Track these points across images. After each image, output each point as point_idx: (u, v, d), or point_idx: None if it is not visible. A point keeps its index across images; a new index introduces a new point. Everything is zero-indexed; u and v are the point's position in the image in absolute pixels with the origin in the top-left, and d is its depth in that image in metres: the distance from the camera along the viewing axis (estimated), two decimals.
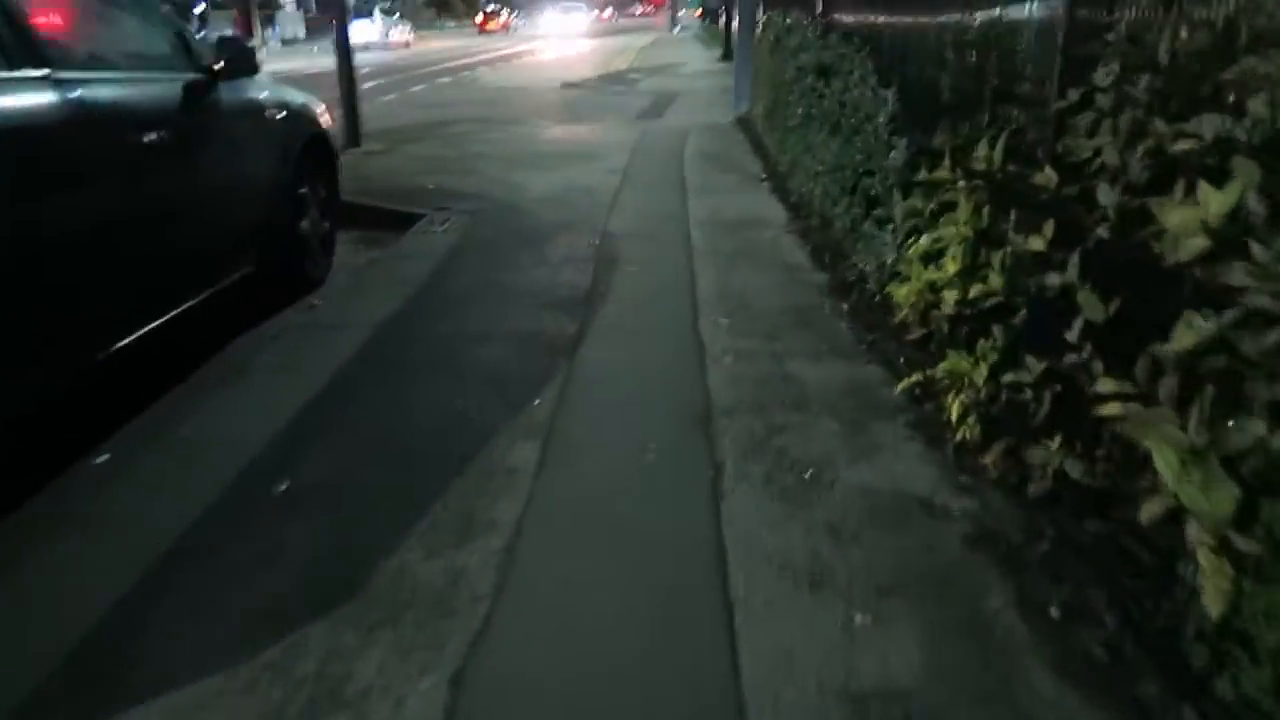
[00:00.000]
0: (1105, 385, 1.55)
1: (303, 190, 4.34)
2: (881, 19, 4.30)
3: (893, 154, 3.19)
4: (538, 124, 10.57)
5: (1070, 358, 1.75)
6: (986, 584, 1.94)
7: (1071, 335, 1.75)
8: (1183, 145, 1.39)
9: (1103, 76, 1.69)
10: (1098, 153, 1.70)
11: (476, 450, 2.60)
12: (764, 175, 6.67)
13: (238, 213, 3.76)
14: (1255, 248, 1.26)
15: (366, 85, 15.98)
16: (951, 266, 2.39)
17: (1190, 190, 1.38)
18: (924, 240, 2.71)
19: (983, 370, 2.29)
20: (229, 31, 11.32)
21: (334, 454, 2.63)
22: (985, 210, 2.38)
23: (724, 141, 8.64)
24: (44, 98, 2.55)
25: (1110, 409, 1.54)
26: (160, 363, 3.31)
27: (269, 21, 34.02)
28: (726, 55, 17.56)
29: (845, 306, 3.67)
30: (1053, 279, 1.80)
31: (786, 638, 1.81)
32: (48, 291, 2.54)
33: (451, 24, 56.99)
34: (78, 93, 2.68)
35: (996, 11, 2.73)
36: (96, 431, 2.80)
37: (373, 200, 6.15)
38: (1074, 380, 1.84)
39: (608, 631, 1.86)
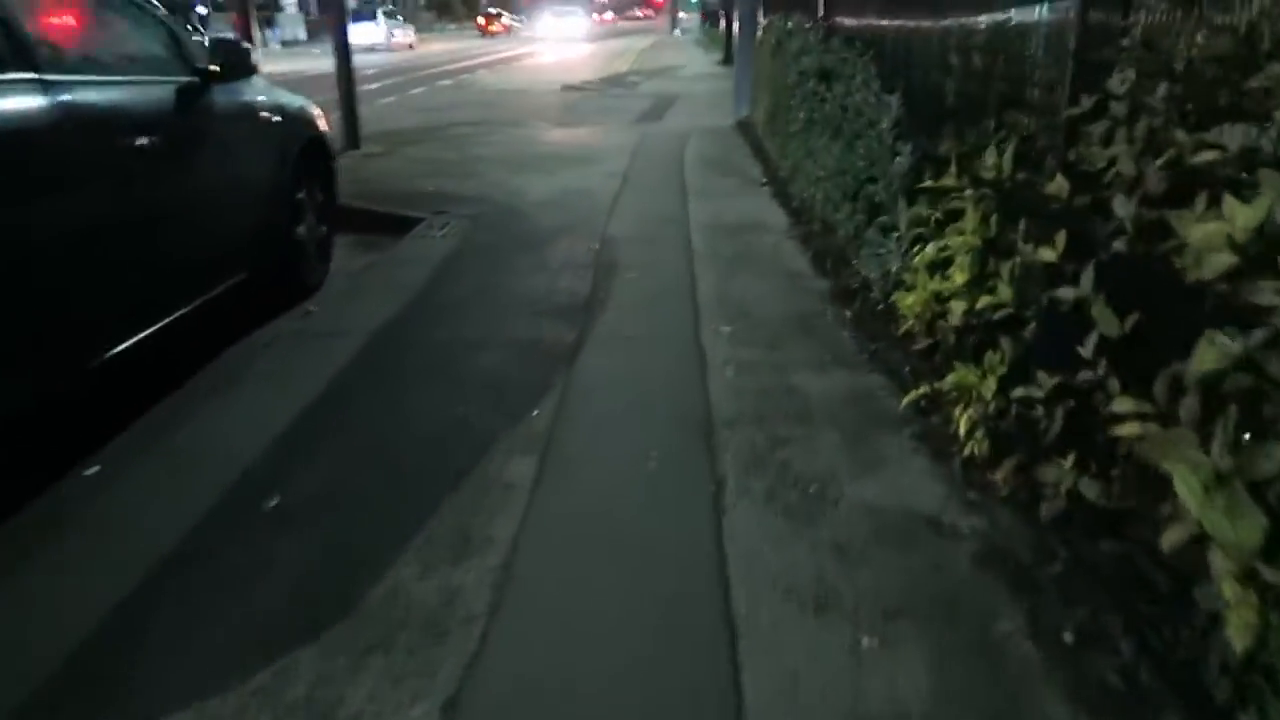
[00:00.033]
0: (1123, 404, 1.50)
1: (299, 195, 4.29)
2: (885, 22, 4.25)
3: (897, 160, 3.13)
4: (537, 127, 10.52)
5: (1085, 374, 1.69)
6: (997, 606, 1.88)
7: (1086, 351, 1.69)
8: (1205, 156, 1.34)
9: (1118, 83, 1.63)
10: (1112, 162, 1.64)
11: (473, 463, 2.54)
12: (765, 179, 6.61)
13: (232, 218, 3.71)
14: None
15: (369, 87, 16.01)
16: (959, 277, 2.34)
17: (1213, 203, 1.33)
18: (930, 249, 2.65)
19: (991, 383, 2.24)
20: (230, 35, 11.30)
21: (327, 467, 2.57)
22: (993, 219, 2.32)
23: (724, 145, 8.59)
24: (33, 101, 2.49)
25: (1128, 429, 1.49)
26: (153, 370, 3.25)
27: (269, 23, 33.97)
28: (727, 58, 17.53)
29: (848, 314, 3.62)
30: (1066, 292, 1.74)
31: (791, 662, 1.75)
32: (37, 298, 2.49)
33: (452, 26, 56.98)
34: (67, 96, 2.62)
35: (1003, 15, 2.68)
36: (88, 441, 2.75)
37: (371, 204, 6.10)
38: (1088, 396, 1.78)
39: (606, 655, 1.80)
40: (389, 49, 31.82)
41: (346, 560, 2.12)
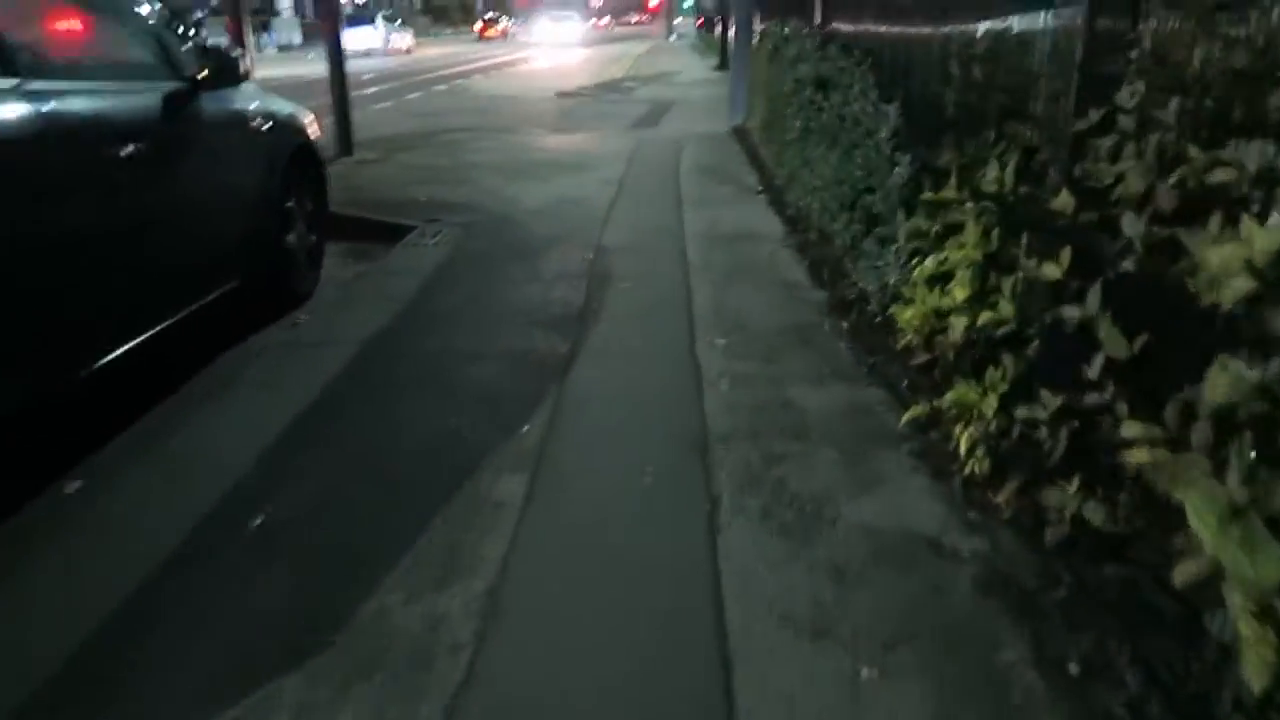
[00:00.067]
0: (1131, 429, 1.44)
1: (289, 203, 4.23)
2: (883, 28, 4.21)
3: (896, 171, 3.08)
4: (532, 133, 10.47)
5: (1091, 396, 1.64)
6: (1000, 634, 1.82)
7: (1092, 372, 1.64)
8: (1221, 175, 1.29)
9: (1127, 97, 1.59)
10: (1120, 178, 1.59)
11: (462, 480, 2.48)
12: (760, 187, 6.57)
13: (221, 227, 3.65)
14: None
15: (365, 91, 15.97)
16: (960, 293, 2.29)
17: (1228, 223, 1.28)
18: (929, 262, 2.60)
19: (992, 401, 2.19)
20: (222, 40, 11.22)
21: (314, 483, 2.51)
22: (995, 233, 2.28)
23: (720, 152, 8.55)
24: (14, 109, 2.43)
25: (1137, 455, 1.44)
26: (139, 381, 3.19)
27: (264, 27, 33.93)
28: (722, 64, 17.51)
29: (845, 326, 3.57)
30: (1071, 311, 1.69)
31: (787, 692, 1.69)
32: (21, 306, 2.43)
33: (448, 31, 57.03)
34: (51, 104, 2.57)
35: (1006, 22, 2.63)
36: (72, 453, 2.68)
37: (363, 211, 6.04)
38: (1093, 417, 1.73)
39: (596, 686, 1.74)
40: (386, 53, 32.02)
41: (332, 582, 2.06)
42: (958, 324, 2.29)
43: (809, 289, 4.13)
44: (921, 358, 2.69)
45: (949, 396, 2.29)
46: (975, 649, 1.79)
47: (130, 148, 2.84)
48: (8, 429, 2.52)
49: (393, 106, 13.95)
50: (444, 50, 36.81)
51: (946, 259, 2.48)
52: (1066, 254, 1.81)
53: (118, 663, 1.81)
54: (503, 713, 1.68)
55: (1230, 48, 1.41)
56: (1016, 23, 2.61)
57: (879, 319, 3.32)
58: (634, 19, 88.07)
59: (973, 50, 2.81)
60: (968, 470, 2.25)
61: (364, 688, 1.73)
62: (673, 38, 45.71)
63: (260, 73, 16.62)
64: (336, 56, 8.32)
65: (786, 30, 7.13)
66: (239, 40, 8.14)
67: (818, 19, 6.08)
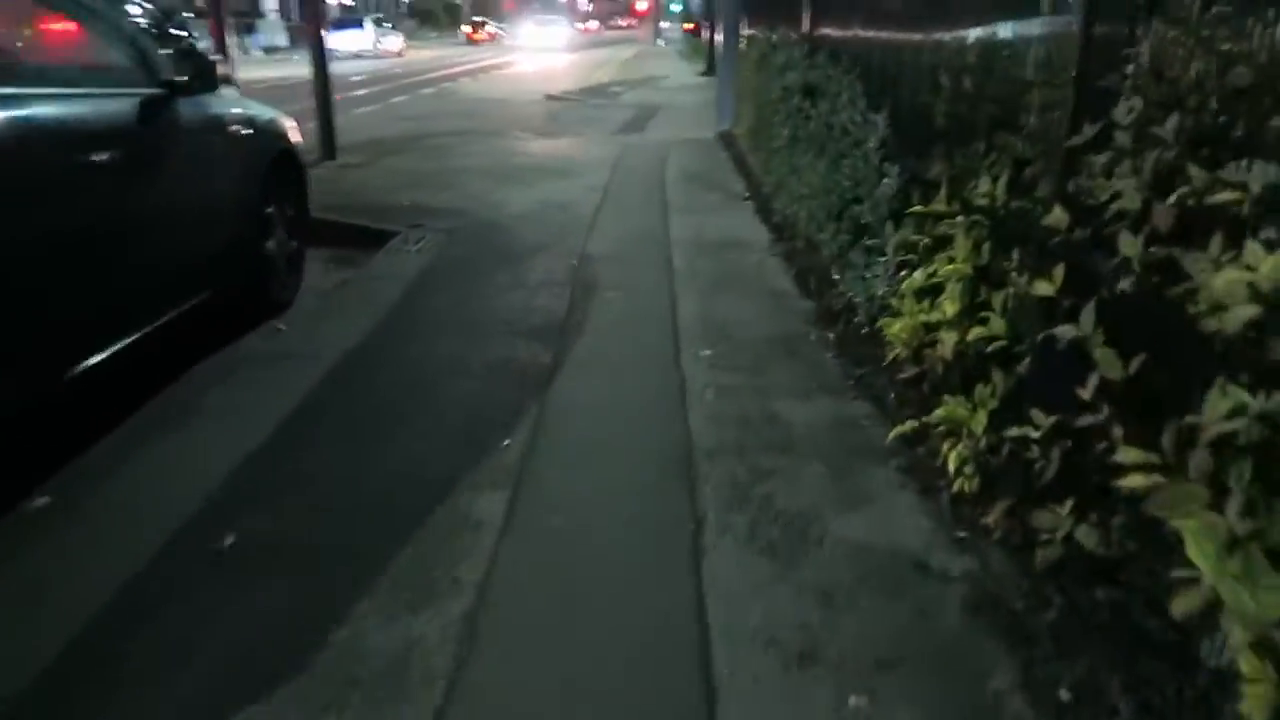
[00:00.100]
0: (1128, 455, 1.40)
1: (269, 209, 4.16)
2: (871, 34, 4.17)
3: (884, 182, 3.04)
4: (518, 137, 10.42)
5: (1085, 418, 1.60)
6: (990, 659, 1.78)
7: (1086, 393, 1.60)
8: (1224, 196, 1.25)
9: (1124, 113, 1.55)
10: (1116, 195, 1.56)
11: (440, 499, 2.42)
12: (747, 194, 6.53)
13: (198, 234, 3.57)
14: None
15: (353, 94, 15.88)
16: (949, 307, 2.25)
17: (1229, 244, 1.24)
18: (918, 274, 2.56)
19: (981, 418, 2.15)
20: (204, 42, 11.12)
21: (287, 502, 2.45)
22: (985, 247, 2.24)
23: (706, 158, 8.52)
24: None
25: (1134, 480, 1.39)
26: (111, 393, 3.11)
27: (249, 29, 33.73)
28: (709, 69, 17.49)
29: (832, 336, 3.53)
30: (1064, 330, 1.65)
31: None
32: None
33: (434, 34, 56.91)
34: (19, 110, 2.50)
35: (996, 29, 2.59)
36: (36, 471, 2.60)
37: (345, 217, 5.97)
38: (1086, 437, 1.69)
39: (577, 717, 1.69)
40: (377, 56, 32.12)
41: (304, 607, 2.00)
42: (948, 339, 2.25)
43: (796, 298, 4.09)
44: (910, 371, 2.65)
45: (937, 413, 2.24)
46: (965, 675, 1.74)
47: (103, 155, 2.77)
48: None
49: (379, 109, 13.85)
50: (433, 53, 36.75)
51: (936, 272, 2.44)
52: (1060, 271, 1.77)
53: (85, 688, 1.75)
54: None
55: (1230, 63, 1.38)
56: (1007, 30, 2.58)
57: (866, 330, 3.28)
58: (622, 23, 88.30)
59: (963, 60, 2.78)
60: (956, 488, 2.20)
61: (335, 718, 1.67)
62: (660, 42, 45.73)
63: (245, 74, 16.57)
64: (320, 59, 8.23)
65: (774, 37, 7.10)
66: (220, 42, 8.03)
67: (805, 26, 6.04)
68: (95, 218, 2.82)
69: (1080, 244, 1.74)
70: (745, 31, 9.85)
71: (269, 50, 33.99)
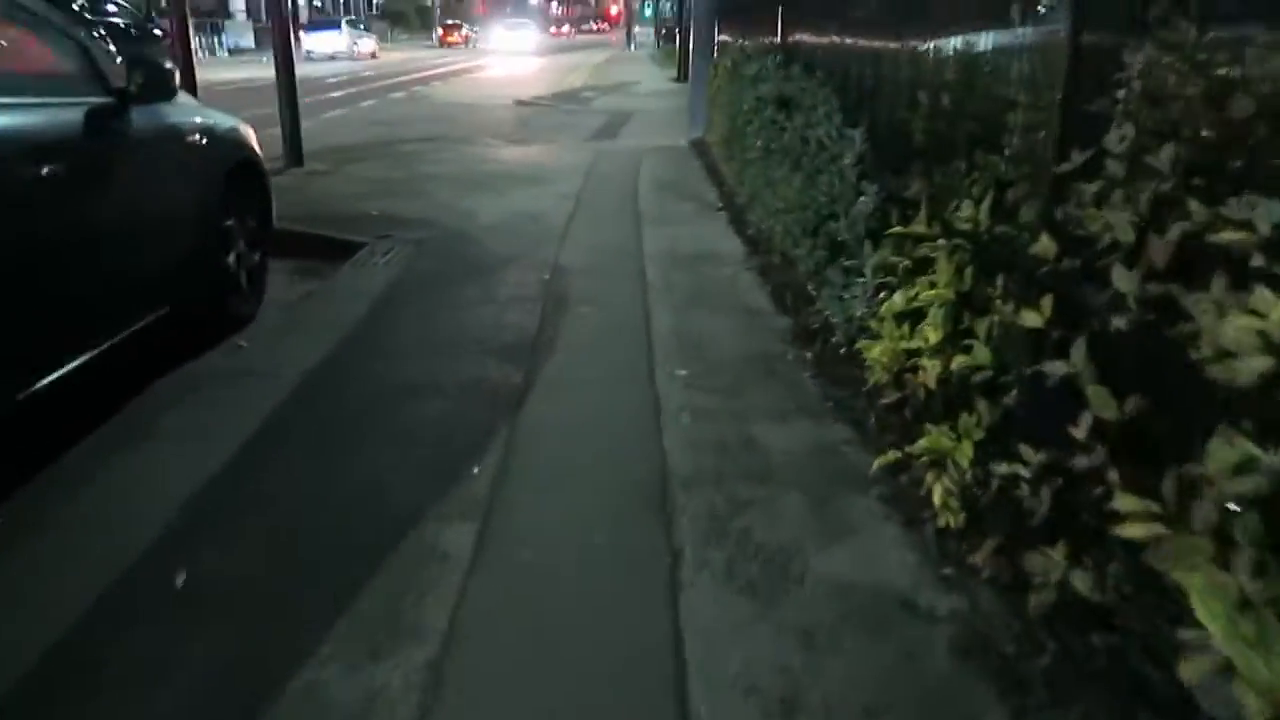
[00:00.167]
0: (1126, 503, 1.34)
1: (229, 222, 4.02)
2: (848, 44, 4.10)
3: (861, 200, 2.98)
4: (489, 143, 10.30)
5: (1080, 460, 1.53)
6: (981, 705, 1.71)
7: (1079, 433, 1.53)
8: (1229, 235, 1.19)
9: (1115, 141, 1.49)
10: (1108, 226, 1.49)
11: (405, 531, 2.32)
12: (721, 204, 6.46)
13: (153, 249, 3.43)
14: None
15: (330, 95, 15.65)
16: (932, 335, 2.18)
17: (1234, 285, 1.18)
18: (898, 297, 2.49)
19: (966, 449, 2.08)
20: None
21: (246, 534, 2.33)
22: (968, 271, 2.17)
23: (679, 166, 8.45)
24: None
25: (1132, 530, 1.33)
26: (66, 412, 2.97)
27: (215, 29, 33.28)
28: (682, 75, 17.45)
29: (810, 356, 3.46)
30: (1055, 366, 1.59)
31: None
32: None
33: (405, 37, 56.55)
34: None
35: (978, 40, 2.53)
36: None
37: (311, 227, 5.83)
38: (1079, 478, 1.62)
39: None
40: (352, 58, 32.02)
41: (259, 652, 1.89)
42: (930, 368, 2.18)
43: (772, 315, 4.02)
44: (890, 397, 2.58)
45: (920, 444, 2.17)
46: None
47: (46, 169, 2.63)
48: None
49: (349, 113, 13.65)
50: (406, 56, 36.55)
51: (917, 295, 2.37)
52: (1048, 302, 1.71)
53: None
54: None
55: (1227, 90, 1.32)
56: (988, 40, 2.52)
57: (845, 350, 3.21)
58: (594, 27, 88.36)
59: (943, 76, 2.72)
60: (941, 522, 2.14)
61: None
62: (632, 47, 45.71)
63: (211, 76, 16.27)
64: (286, 63, 8.06)
65: (747, 44, 7.05)
66: (184, 44, 7.84)
67: (779, 34, 5.99)
68: (39, 234, 2.68)
69: (1069, 274, 1.68)
70: (719, 38, 9.81)
71: (234, 52, 33.58)
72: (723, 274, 4.69)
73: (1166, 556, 1.27)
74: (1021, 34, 2.19)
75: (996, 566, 1.91)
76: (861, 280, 2.85)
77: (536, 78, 23.05)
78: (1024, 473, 1.76)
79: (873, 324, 2.72)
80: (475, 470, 2.64)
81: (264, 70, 9.30)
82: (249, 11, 38.90)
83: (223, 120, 4.07)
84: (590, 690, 1.79)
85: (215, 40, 33.41)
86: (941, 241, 2.24)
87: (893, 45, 3.32)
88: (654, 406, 3.06)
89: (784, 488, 2.51)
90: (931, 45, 2.94)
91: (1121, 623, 1.67)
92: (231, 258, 4.07)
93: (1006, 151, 2.11)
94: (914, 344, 2.28)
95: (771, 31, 6.22)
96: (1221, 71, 1.40)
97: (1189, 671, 1.17)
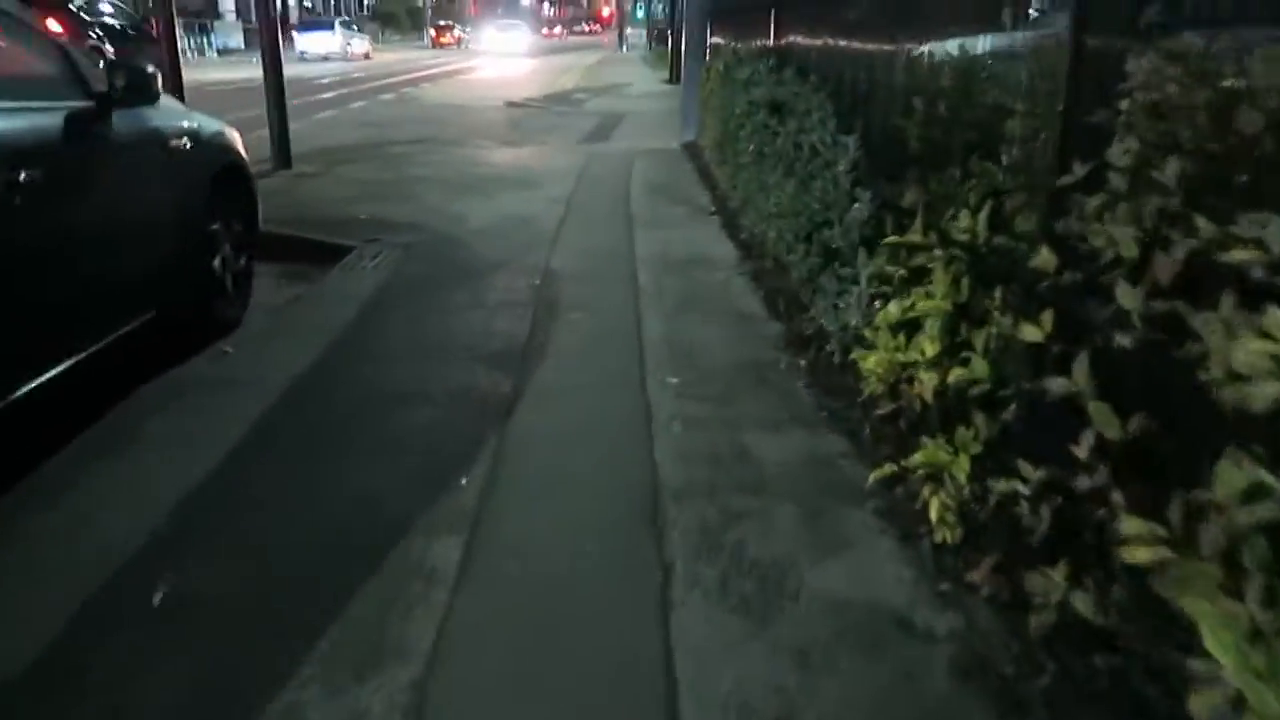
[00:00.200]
0: (1130, 526, 1.30)
1: (214, 226, 3.97)
2: (842, 47, 4.07)
3: (855, 207, 2.94)
4: (480, 146, 10.23)
5: (1083, 481, 1.50)
6: None
7: (1081, 451, 1.49)
8: (1240, 255, 1.15)
9: (1119, 154, 1.45)
10: (1111, 241, 1.45)
11: (391, 545, 2.27)
12: (713, 208, 6.42)
13: (135, 255, 3.37)
14: None
15: (323, 96, 15.56)
16: (929, 348, 2.14)
17: (1247, 305, 1.14)
18: (893, 307, 2.46)
19: (964, 463, 2.04)
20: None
21: (228, 547, 2.28)
22: (964, 281, 2.14)
23: (671, 169, 8.41)
24: None
25: (1138, 554, 1.29)
26: (50, 418, 2.91)
27: (203, 30, 33.13)
28: (674, 77, 17.41)
29: (803, 363, 3.42)
30: (1056, 384, 1.55)
31: None
32: None
33: (397, 38, 56.43)
34: None
35: (977, 43, 2.50)
36: None
37: (299, 230, 5.77)
38: (1081, 498, 1.59)
39: None
40: (345, 58, 32.00)
41: (236, 673, 1.84)
42: (927, 381, 2.14)
43: (765, 321, 3.98)
44: (886, 408, 2.54)
45: (916, 457, 2.14)
46: None
47: (23, 173, 2.57)
48: None
49: (339, 114, 13.56)
50: (398, 57, 36.48)
51: (913, 305, 2.34)
52: (1049, 317, 1.67)
53: None
54: None
55: (1233, 102, 1.28)
56: (986, 45, 2.49)
57: (839, 359, 3.17)
58: (586, 29, 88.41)
59: (939, 82, 2.69)
60: (938, 538, 2.10)
61: None
62: (624, 48, 45.66)
63: (201, 76, 16.14)
64: (274, 64, 7.99)
65: (739, 47, 7.02)
66: (170, 45, 7.76)
67: (771, 37, 5.96)
68: (16, 241, 2.62)
69: (1071, 289, 1.64)
70: (711, 40, 9.78)
71: (224, 52, 33.43)
72: (715, 279, 4.65)
73: (1174, 583, 1.23)
74: (1020, 39, 2.16)
75: (995, 585, 1.88)
76: (856, 288, 2.81)
77: (528, 79, 22.98)
78: (1023, 490, 1.73)
79: (868, 333, 2.68)
80: (463, 481, 2.59)
81: (254, 71, 9.21)
82: (239, 12, 38.69)
83: (208, 124, 4.01)
84: (578, 711, 1.75)
85: (204, 40, 33.26)
86: (938, 251, 2.20)
87: (888, 49, 3.29)
88: (645, 415, 3.02)
89: (778, 500, 2.47)
90: (926, 50, 2.91)
91: (1124, 644, 1.63)
92: (217, 262, 4.02)
93: (1004, 160, 2.07)
94: (910, 356, 2.24)
95: (764, 34, 6.19)
96: (1228, 83, 1.36)
97: (1199, 705, 1.13)
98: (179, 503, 2.47)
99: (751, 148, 5.11)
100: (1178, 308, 1.30)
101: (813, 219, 3.50)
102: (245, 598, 2.08)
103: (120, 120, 3.18)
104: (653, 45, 35.40)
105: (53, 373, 2.86)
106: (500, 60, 33.84)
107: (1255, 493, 1.10)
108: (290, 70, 8.20)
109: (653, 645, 1.91)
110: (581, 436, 2.92)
